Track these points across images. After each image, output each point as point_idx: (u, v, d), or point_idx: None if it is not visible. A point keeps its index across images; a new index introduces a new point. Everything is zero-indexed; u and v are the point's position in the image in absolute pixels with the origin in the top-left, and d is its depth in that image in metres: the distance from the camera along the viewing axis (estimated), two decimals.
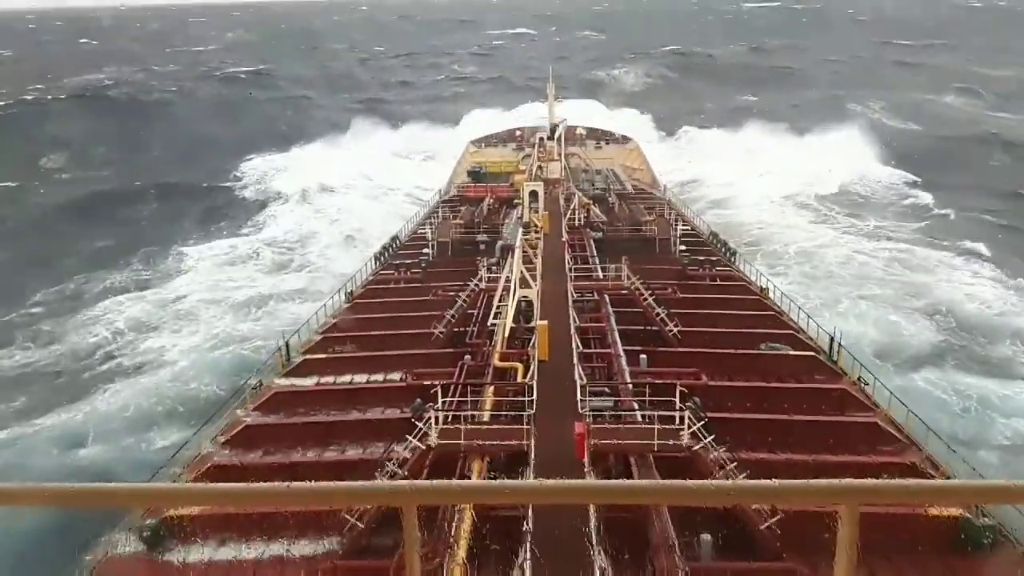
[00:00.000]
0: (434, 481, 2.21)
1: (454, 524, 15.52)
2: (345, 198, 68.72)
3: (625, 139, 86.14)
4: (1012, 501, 2.10)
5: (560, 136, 66.47)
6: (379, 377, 27.50)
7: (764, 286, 37.60)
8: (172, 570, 17.55)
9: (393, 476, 17.80)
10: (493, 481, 2.25)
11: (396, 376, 27.02)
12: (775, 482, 2.06)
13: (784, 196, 65.69)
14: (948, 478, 18.81)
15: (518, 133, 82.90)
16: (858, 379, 25.44)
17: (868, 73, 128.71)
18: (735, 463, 17.51)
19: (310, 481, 2.20)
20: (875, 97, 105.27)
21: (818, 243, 53.67)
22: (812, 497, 2.08)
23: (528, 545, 14.06)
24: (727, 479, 17.11)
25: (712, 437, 17.90)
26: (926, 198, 63.97)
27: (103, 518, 17.69)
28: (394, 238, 50.27)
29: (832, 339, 28.08)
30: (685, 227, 46.78)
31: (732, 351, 27.97)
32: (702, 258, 40.75)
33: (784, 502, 2.33)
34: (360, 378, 27.61)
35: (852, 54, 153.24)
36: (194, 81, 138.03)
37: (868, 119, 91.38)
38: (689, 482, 2.15)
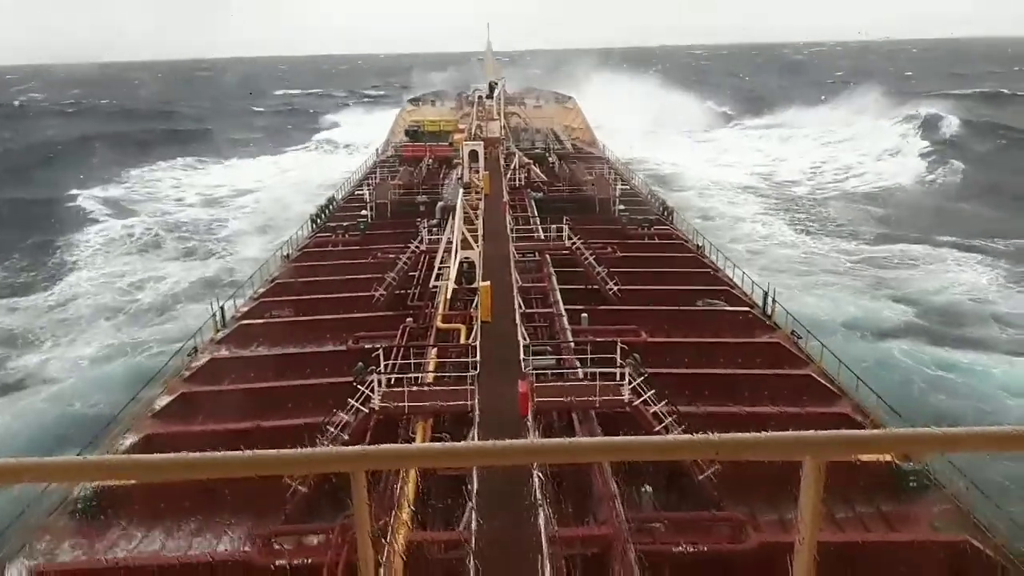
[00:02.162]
0: (383, 446, 2.15)
1: (398, 485, 15.50)
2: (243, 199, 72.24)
3: (564, 98, 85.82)
4: (973, 448, 2.13)
5: (499, 95, 65.83)
6: (319, 341, 27.09)
7: (700, 244, 38.33)
8: (109, 542, 17.13)
9: (335, 441, 17.64)
10: (443, 444, 2.20)
11: (337, 340, 26.66)
12: (740, 435, 2.05)
13: None
14: (879, 426, 19.65)
15: (460, 94, 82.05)
16: (792, 333, 26.23)
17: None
18: (674, 416, 17.92)
19: (252, 449, 2.11)
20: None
21: None
22: (777, 450, 2.07)
23: (473, 502, 14.17)
24: (668, 432, 17.52)
25: (652, 392, 18.24)
26: None
27: (34, 489, 17.08)
28: (331, 200, 49.31)
29: (766, 294, 28.84)
30: (624, 186, 47.15)
31: (670, 308, 28.50)
32: (640, 217, 41.20)
33: (749, 455, 2.29)
34: (299, 343, 27.16)
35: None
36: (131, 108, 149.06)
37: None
38: (655, 438, 2.12)
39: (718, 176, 77.49)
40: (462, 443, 2.37)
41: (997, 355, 32.61)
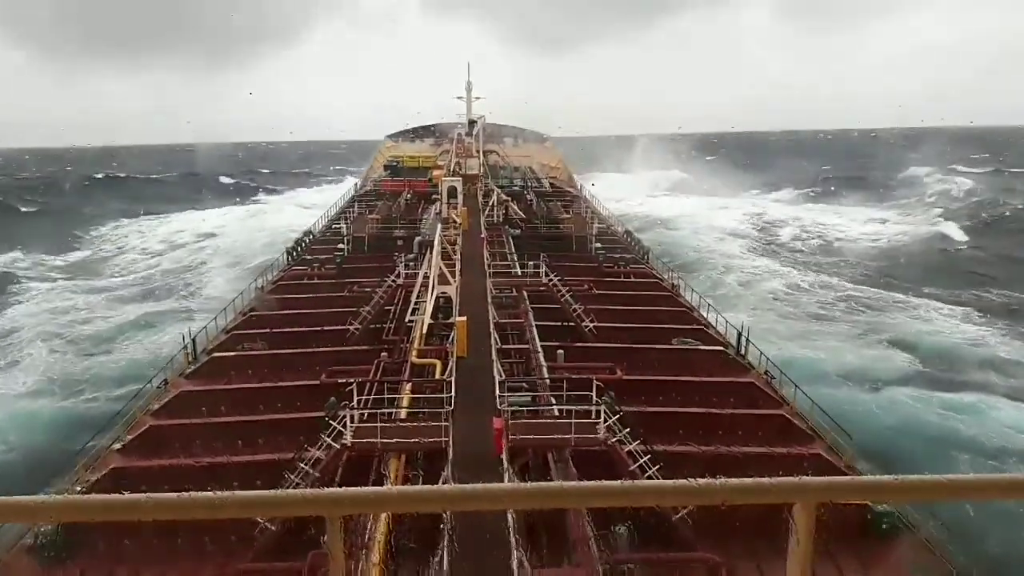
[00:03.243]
0: (360, 489, 2.09)
1: (370, 523, 15.20)
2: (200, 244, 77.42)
3: (542, 137, 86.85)
4: (981, 497, 2.12)
5: (478, 132, 66.48)
6: (292, 375, 26.72)
7: (675, 283, 38.67)
8: None
9: (306, 477, 17.31)
10: (423, 487, 2.14)
11: (310, 374, 26.32)
12: (731, 481, 2.04)
13: None
14: (853, 467, 19.71)
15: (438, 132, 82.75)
16: (765, 373, 26.39)
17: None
18: (649, 456, 17.85)
19: (221, 484, 2.06)
20: None
21: None
22: (768, 495, 2.06)
23: (446, 542, 13.93)
24: (643, 472, 17.43)
25: (627, 430, 18.18)
26: None
27: None
28: (307, 233, 49.21)
29: (740, 334, 29.06)
30: (601, 225, 47.64)
31: (646, 346, 28.58)
32: (617, 255, 41.53)
33: (742, 499, 2.28)
34: (272, 377, 26.77)
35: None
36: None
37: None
38: (650, 482, 2.11)
39: (713, 220, 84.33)
40: (443, 487, 2.31)
41: (995, 395, 33.08)
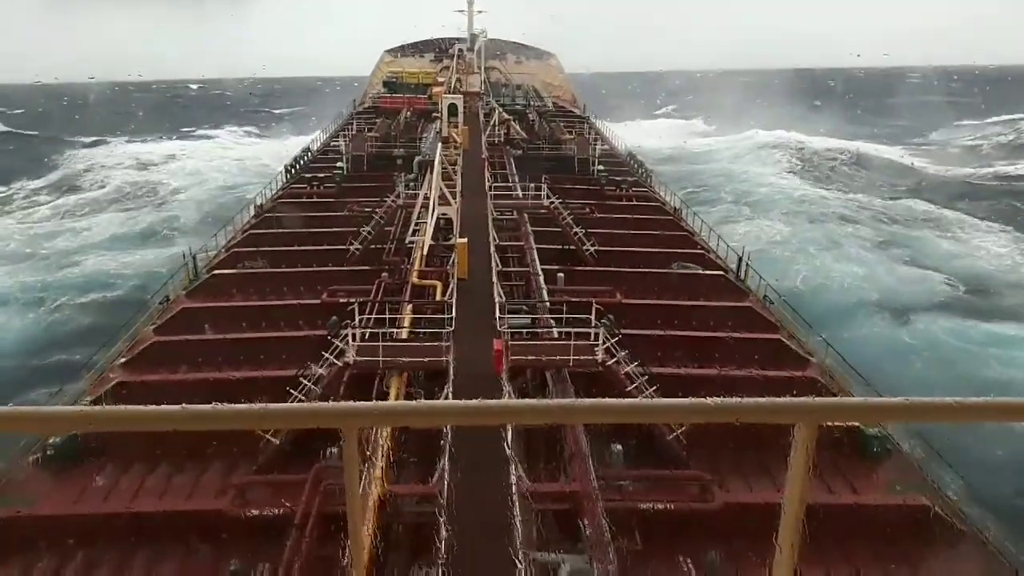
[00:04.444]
0: (381, 403, 2.15)
1: (372, 437, 15.57)
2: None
3: (546, 55, 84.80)
4: (984, 419, 2.15)
5: (480, 48, 64.85)
6: (292, 294, 26.89)
7: (677, 207, 38.47)
8: (80, 486, 17.07)
9: (309, 394, 17.64)
10: (447, 402, 2.19)
11: (310, 293, 26.48)
12: (736, 400, 2.08)
13: None
14: (846, 390, 20.06)
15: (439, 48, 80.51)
16: (763, 297, 26.56)
17: None
18: (646, 377, 18.15)
19: (225, 399, 2.09)
20: None
21: None
22: (772, 415, 2.10)
23: (446, 456, 14.31)
24: (639, 393, 17.75)
25: (625, 353, 18.43)
26: None
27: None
28: (306, 150, 48.66)
29: (740, 259, 29.11)
30: (604, 147, 47.01)
31: (646, 270, 28.64)
32: (619, 178, 41.14)
33: (756, 418, 2.35)
34: (273, 295, 26.94)
35: None
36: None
37: None
38: (669, 400, 2.13)
39: (742, 146, 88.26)
40: (466, 402, 2.37)
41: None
